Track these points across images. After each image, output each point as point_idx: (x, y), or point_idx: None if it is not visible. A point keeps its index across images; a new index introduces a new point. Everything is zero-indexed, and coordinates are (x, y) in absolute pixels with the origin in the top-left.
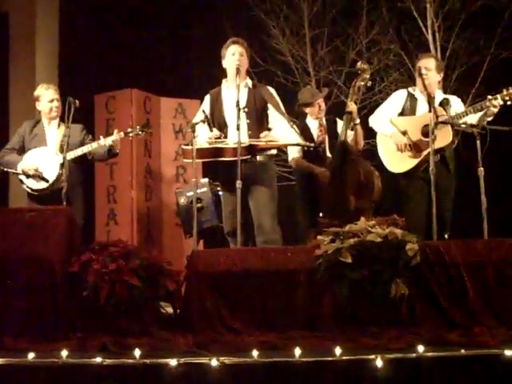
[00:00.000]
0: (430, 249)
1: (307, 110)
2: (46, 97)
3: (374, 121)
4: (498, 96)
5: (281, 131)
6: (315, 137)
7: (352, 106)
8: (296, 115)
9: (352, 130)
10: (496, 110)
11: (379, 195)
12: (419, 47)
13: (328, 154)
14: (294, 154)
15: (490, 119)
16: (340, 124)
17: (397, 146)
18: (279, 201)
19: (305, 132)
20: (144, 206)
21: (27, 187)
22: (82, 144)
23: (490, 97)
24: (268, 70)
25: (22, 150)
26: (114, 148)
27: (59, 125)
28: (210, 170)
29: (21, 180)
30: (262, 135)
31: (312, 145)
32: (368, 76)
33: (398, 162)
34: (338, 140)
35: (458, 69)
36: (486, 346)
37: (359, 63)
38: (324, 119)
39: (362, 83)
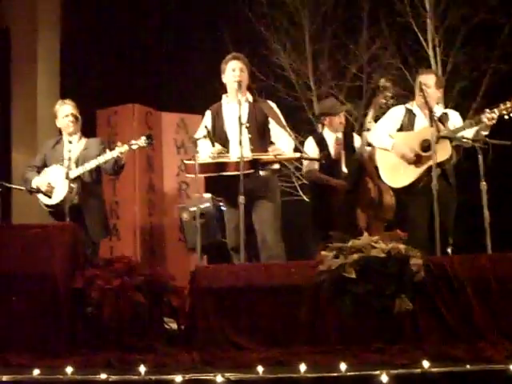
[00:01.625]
0: (434, 264)
1: (326, 121)
2: (62, 112)
3: (372, 136)
4: (496, 110)
5: (284, 145)
6: (331, 150)
7: (372, 124)
8: (310, 129)
9: (369, 146)
10: (492, 124)
11: (392, 213)
12: (420, 62)
13: (344, 168)
14: (310, 166)
15: (486, 133)
16: (357, 139)
17: (404, 157)
18: (283, 216)
19: (321, 144)
20: (147, 221)
21: (41, 203)
22: (98, 157)
23: (487, 110)
24: (269, 84)
25: (43, 167)
26: (119, 160)
27: (80, 138)
28: (213, 185)
29: (38, 197)
30: (270, 149)
31: (316, 158)
32: (390, 94)
33: (397, 176)
34: (355, 155)
35: (459, 83)
36: (491, 361)
37: (382, 80)
38: (340, 133)
39: (384, 101)
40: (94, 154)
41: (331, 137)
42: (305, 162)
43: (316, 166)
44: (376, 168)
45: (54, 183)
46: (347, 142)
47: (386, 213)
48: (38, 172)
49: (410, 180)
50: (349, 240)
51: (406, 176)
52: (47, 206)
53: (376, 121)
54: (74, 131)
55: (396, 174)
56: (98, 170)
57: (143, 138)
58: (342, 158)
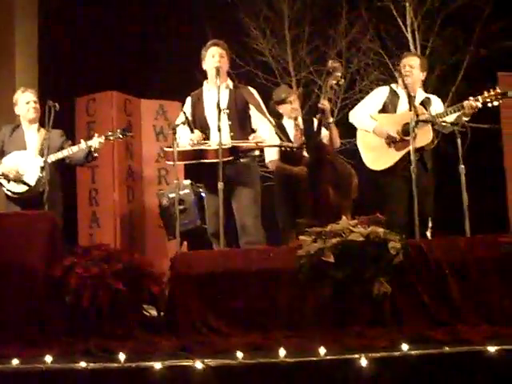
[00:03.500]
0: (413, 247)
1: (280, 108)
2: (23, 99)
3: (353, 116)
4: (479, 97)
5: (264, 132)
6: (291, 137)
7: (324, 105)
8: (272, 115)
9: (326, 128)
10: (474, 111)
11: (356, 193)
12: (399, 46)
13: (305, 153)
14: (271, 156)
15: (467, 119)
16: (316, 123)
17: (388, 138)
18: (263, 201)
19: (281, 133)
20: (126, 208)
21: (7, 190)
22: (61, 149)
23: (471, 98)
24: (249, 70)
25: (1, 155)
26: (93, 152)
27: (39, 129)
28: (192, 171)
29: (1, 183)
30: (250, 138)
31: (295, 145)
32: (340, 74)
33: (377, 159)
34: (313, 139)
35: (438, 67)
36: (469, 342)
37: (330, 62)
38: (300, 119)
39: (334, 82)
40: (57, 144)
41: (290, 124)
42: (266, 153)
43: (277, 155)
44: (335, 151)
45: (22, 170)
46: (307, 127)
47: (351, 193)
48: None
49: (391, 163)
50: (318, 225)
51: (386, 159)
52: (13, 193)
53: (330, 102)
54: (34, 119)
55: (376, 156)
56: (60, 160)
57: (119, 130)
58: (303, 144)
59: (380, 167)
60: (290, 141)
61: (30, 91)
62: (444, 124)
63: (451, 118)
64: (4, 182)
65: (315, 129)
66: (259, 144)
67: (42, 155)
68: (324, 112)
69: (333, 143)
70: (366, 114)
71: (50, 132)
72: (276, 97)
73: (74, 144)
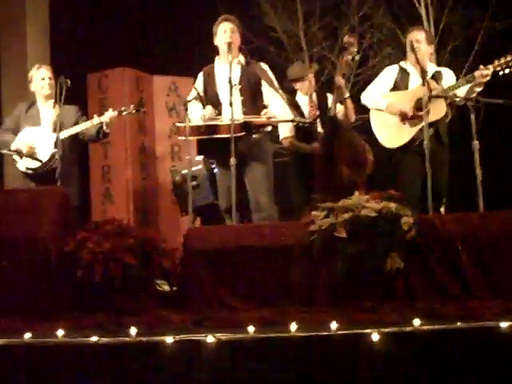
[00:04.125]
0: (426, 222)
1: (297, 85)
2: (38, 76)
3: (365, 98)
4: (490, 66)
5: (276, 108)
6: (306, 113)
7: (339, 80)
8: (286, 92)
9: (341, 104)
10: (486, 80)
11: (371, 169)
12: (412, 21)
13: (319, 129)
14: (285, 132)
15: (479, 89)
16: (331, 99)
17: (401, 115)
18: (276, 177)
19: (295, 109)
20: (139, 184)
21: (22, 166)
22: (76, 125)
23: (481, 66)
24: (260, 46)
25: (16, 131)
26: (106, 126)
27: (54, 105)
28: (205, 147)
29: (14, 159)
30: (262, 113)
31: (308, 121)
32: (355, 49)
33: (392, 137)
34: (327, 115)
35: (452, 42)
36: (481, 318)
37: (346, 37)
38: (314, 95)
39: (350, 57)
40: (72, 120)
41: (304, 100)
42: (280, 129)
43: (291, 132)
44: (350, 126)
45: (36, 146)
46: (321, 103)
47: (366, 168)
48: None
49: (406, 140)
50: (332, 201)
51: (401, 136)
52: (28, 168)
53: (344, 77)
54: (50, 95)
55: (391, 134)
56: (76, 136)
57: (132, 106)
58: (317, 120)
59: (395, 145)
60: (304, 117)
61: (45, 67)
62: (457, 99)
63: (464, 89)
64: (18, 157)
65: (330, 104)
66: (271, 119)
67: (56, 131)
68: (339, 87)
69: (348, 118)
70: (378, 94)
71: (62, 108)
72: (293, 74)
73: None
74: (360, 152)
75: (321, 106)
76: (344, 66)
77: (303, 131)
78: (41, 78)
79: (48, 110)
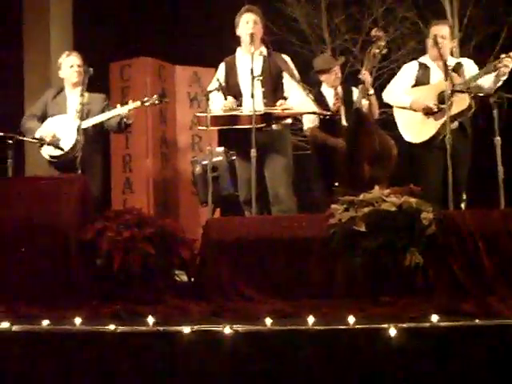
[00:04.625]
0: (446, 218)
1: (322, 77)
2: (67, 63)
3: (388, 96)
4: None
5: (296, 100)
6: (330, 105)
7: (366, 76)
8: (311, 83)
9: (366, 99)
10: (508, 70)
11: (394, 164)
12: (436, 15)
13: (344, 122)
14: (309, 123)
15: (504, 78)
16: (355, 93)
17: (426, 109)
18: (295, 170)
19: (320, 100)
20: (160, 174)
21: (46, 154)
22: (101, 113)
23: (503, 55)
24: (283, 38)
25: (43, 117)
26: (127, 119)
27: (82, 93)
28: (225, 138)
29: (39, 147)
30: (277, 104)
31: (329, 113)
32: (383, 43)
33: (417, 132)
34: (353, 108)
35: (476, 37)
36: (500, 315)
37: (374, 30)
38: (340, 88)
39: (377, 51)
40: (99, 109)
41: (330, 92)
42: (304, 120)
43: (314, 123)
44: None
45: (59, 134)
46: (346, 96)
47: (390, 164)
48: (39, 122)
49: (431, 134)
50: (353, 194)
51: (426, 130)
52: (51, 156)
53: (371, 72)
54: (78, 83)
55: (416, 129)
56: (101, 125)
57: (156, 96)
58: (342, 113)
59: (421, 139)
60: (328, 109)
61: (74, 54)
62: (481, 94)
63: (487, 80)
64: (42, 145)
65: (354, 98)
66: (292, 111)
67: (82, 119)
68: (365, 83)
69: (372, 114)
70: (400, 91)
71: (89, 96)
72: (319, 65)
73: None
74: (386, 147)
75: (346, 99)
76: (371, 60)
77: (327, 124)
78: (69, 66)
79: (75, 98)
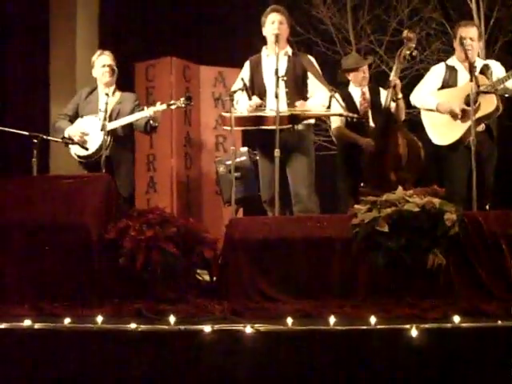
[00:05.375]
0: (469, 219)
1: (350, 76)
2: (99, 62)
3: (415, 98)
4: None
5: (319, 101)
6: (358, 105)
7: (396, 80)
8: (338, 83)
9: (394, 102)
10: None
11: (421, 167)
12: (462, 16)
13: (371, 123)
14: (336, 122)
15: None
16: (383, 93)
17: (451, 113)
18: (318, 170)
19: (347, 100)
20: (183, 174)
21: (74, 154)
22: (131, 113)
23: None
24: (308, 38)
25: (75, 117)
26: (153, 121)
27: (114, 92)
28: (249, 138)
29: (67, 146)
30: (297, 104)
31: (355, 116)
32: (414, 45)
33: (444, 134)
34: (382, 108)
35: (502, 38)
36: None
37: (405, 32)
38: (367, 88)
39: (408, 52)
40: (129, 108)
41: (357, 92)
42: (332, 119)
43: (342, 122)
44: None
45: (88, 134)
46: (373, 97)
47: (417, 166)
48: (70, 121)
49: (457, 136)
50: (378, 196)
51: (452, 133)
52: (79, 156)
53: (402, 72)
54: (110, 82)
55: (443, 131)
56: (130, 125)
57: (182, 99)
58: (369, 113)
59: (449, 141)
60: (356, 109)
61: (106, 54)
62: (507, 95)
63: None
64: (70, 145)
65: (383, 98)
66: (316, 113)
67: (110, 119)
68: (395, 86)
69: (398, 118)
70: (427, 93)
71: (108, 97)
72: (348, 64)
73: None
74: (413, 148)
75: (373, 100)
76: (402, 62)
77: (354, 124)
78: (101, 65)
79: (108, 97)
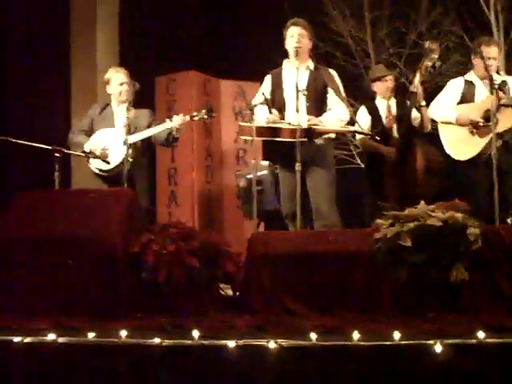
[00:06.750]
0: (492, 233)
1: (376, 87)
2: (116, 80)
3: (433, 111)
4: None
5: (337, 115)
6: (383, 118)
7: (417, 87)
8: (364, 95)
9: (418, 111)
10: None
11: (439, 181)
12: (481, 29)
13: (395, 134)
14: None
15: None
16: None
17: (472, 124)
18: (340, 184)
19: (373, 113)
20: (205, 187)
21: (94, 168)
22: (149, 128)
23: None
24: (327, 51)
25: (90, 133)
26: (176, 133)
27: (128, 108)
28: (270, 151)
29: (88, 160)
30: (308, 118)
31: (369, 133)
32: (437, 56)
33: (462, 149)
34: (403, 118)
35: None
36: None
37: (428, 43)
38: (393, 101)
39: (430, 63)
40: (145, 123)
41: (383, 104)
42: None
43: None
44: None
45: (109, 148)
46: (399, 109)
47: (438, 179)
48: (87, 136)
49: (476, 151)
50: (399, 210)
51: (471, 147)
52: (101, 170)
53: (422, 84)
54: (126, 99)
55: (461, 146)
56: (148, 139)
57: (204, 111)
58: (394, 125)
59: (466, 157)
60: (381, 121)
61: (123, 72)
62: None
63: None
64: (91, 159)
65: (407, 111)
66: (332, 128)
67: (129, 134)
68: (416, 94)
69: (423, 127)
70: (446, 107)
71: (136, 111)
72: (373, 73)
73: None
74: (435, 163)
75: (399, 112)
76: (423, 73)
77: (381, 134)
78: (119, 83)
79: (122, 113)
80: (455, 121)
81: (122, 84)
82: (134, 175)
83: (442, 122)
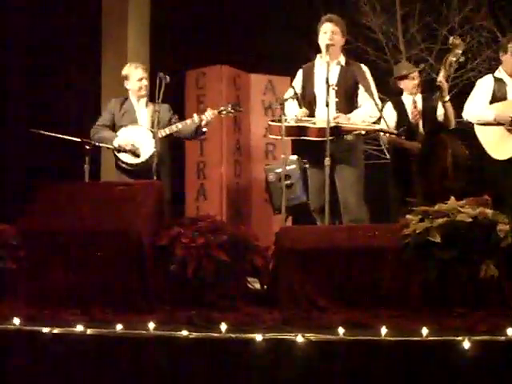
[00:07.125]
0: None
1: (402, 84)
2: (135, 76)
3: (468, 113)
4: None
5: (366, 112)
6: (409, 114)
7: (442, 82)
8: (391, 92)
9: (443, 106)
10: None
11: (466, 177)
12: None
13: (421, 130)
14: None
15: None
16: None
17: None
18: (369, 179)
19: (399, 109)
20: (233, 181)
21: (122, 162)
22: (169, 123)
23: None
24: (359, 47)
25: (112, 128)
26: (204, 126)
27: (147, 103)
28: (299, 146)
29: (115, 155)
30: (333, 115)
31: (395, 132)
32: (460, 51)
33: (502, 148)
34: (431, 117)
35: None
36: None
37: (451, 38)
38: (418, 96)
39: (454, 59)
40: (166, 118)
41: (409, 100)
42: (383, 125)
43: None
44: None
45: (138, 143)
46: (426, 105)
47: (465, 176)
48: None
49: None
50: (425, 206)
51: (508, 147)
52: (128, 164)
53: (447, 80)
54: (145, 94)
55: (500, 145)
56: (170, 134)
57: (230, 105)
58: (420, 121)
59: (507, 156)
60: (407, 118)
61: (142, 67)
62: None
63: None
64: (120, 154)
65: (433, 107)
66: (359, 126)
67: (153, 128)
68: (441, 90)
69: (448, 122)
70: (481, 106)
71: (160, 104)
72: (399, 71)
73: (181, 118)
74: (461, 159)
75: (425, 108)
76: (447, 68)
77: (406, 131)
78: (138, 79)
79: (142, 108)
80: (494, 120)
81: (141, 79)
82: (159, 169)
83: (479, 124)
